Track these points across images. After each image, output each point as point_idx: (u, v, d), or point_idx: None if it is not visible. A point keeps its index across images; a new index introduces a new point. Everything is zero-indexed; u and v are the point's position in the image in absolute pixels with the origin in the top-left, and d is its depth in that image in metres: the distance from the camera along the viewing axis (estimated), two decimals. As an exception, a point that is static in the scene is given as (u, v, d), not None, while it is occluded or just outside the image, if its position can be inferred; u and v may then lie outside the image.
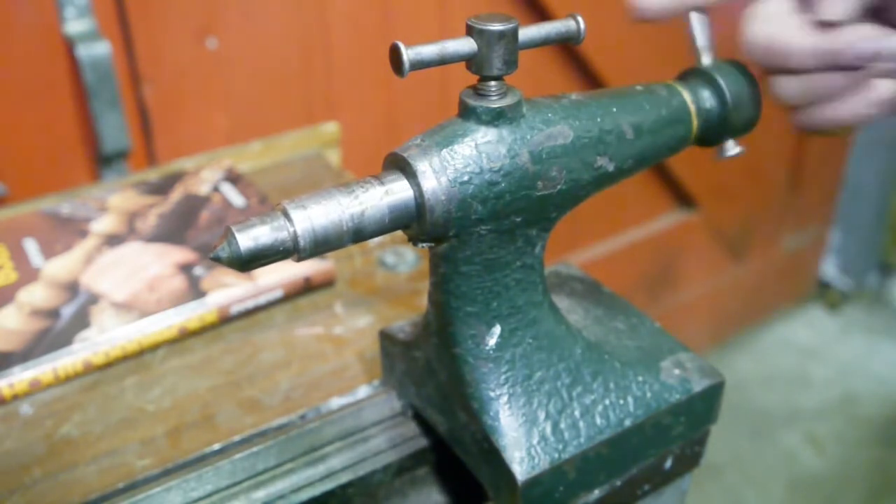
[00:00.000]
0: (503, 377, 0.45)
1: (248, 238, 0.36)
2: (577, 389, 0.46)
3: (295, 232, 0.37)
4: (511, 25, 0.39)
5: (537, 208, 0.42)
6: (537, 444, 0.45)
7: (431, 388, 0.50)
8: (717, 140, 0.50)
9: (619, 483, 0.49)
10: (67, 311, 0.65)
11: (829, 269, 2.13)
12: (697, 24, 0.50)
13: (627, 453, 0.48)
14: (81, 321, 0.64)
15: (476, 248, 0.42)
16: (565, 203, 0.44)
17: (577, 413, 0.46)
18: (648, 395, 0.48)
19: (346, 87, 1.24)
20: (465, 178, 0.40)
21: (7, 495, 0.51)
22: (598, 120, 0.44)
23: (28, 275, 0.69)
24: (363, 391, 0.60)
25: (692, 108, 0.48)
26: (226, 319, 0.66)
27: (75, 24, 0.99)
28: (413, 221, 0.40)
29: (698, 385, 0.50)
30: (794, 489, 1.62)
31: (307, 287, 0.69)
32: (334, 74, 1.22)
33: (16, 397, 0.59)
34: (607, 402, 0.47)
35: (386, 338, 0.55)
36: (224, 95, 1.13)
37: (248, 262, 0.37)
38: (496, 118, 0.40)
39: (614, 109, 0.45)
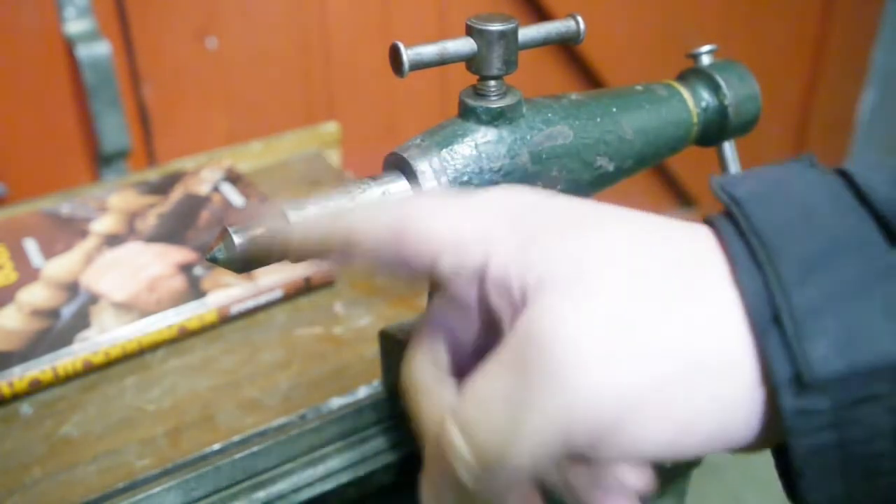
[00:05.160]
0: (503, 377, 0.45)
1: (245, 239, 0.36)
2: (577, 389, 0.46)
3: None
4: (511, 25, 0.39)
5: (537, 208, 0.42)
6: (537, 444, 0.44)
7: (431, 388, 0.50)
8: (717, 140, 0.50)
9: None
10: (67, 311, 0.65)
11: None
12: (729, 152, 0.51)
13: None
14: (81, 321, 0.64)
15: (476, 248, 0.42)
16: (565, 203, 0.44)
17: (577, 413, 0.46)
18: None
19: (346, 87, 1.24)
20: (465, 178, 0.40)
21: (7, 495, 0.51)
22: (598, 120, 0.44)
23: (28, 275, 0.69)
24: (363, 391, 0.60)
25: (692, 108, 0.48)
26: (226, 319, 0.66)
27: (75, 24, 0.99)
28: None
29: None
30: (794, 489, 1.62)
31: (307, 287, 0.69)
32: (334, 74, 1.22)
33: (16, 397, 0.59)
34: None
35: (386, 338, 0.55)
36: (224, 95, 1.14)
37: (244, 264, 0.37)
38: (496, 118, 0.40)
39: (614, 109, 0.45)
